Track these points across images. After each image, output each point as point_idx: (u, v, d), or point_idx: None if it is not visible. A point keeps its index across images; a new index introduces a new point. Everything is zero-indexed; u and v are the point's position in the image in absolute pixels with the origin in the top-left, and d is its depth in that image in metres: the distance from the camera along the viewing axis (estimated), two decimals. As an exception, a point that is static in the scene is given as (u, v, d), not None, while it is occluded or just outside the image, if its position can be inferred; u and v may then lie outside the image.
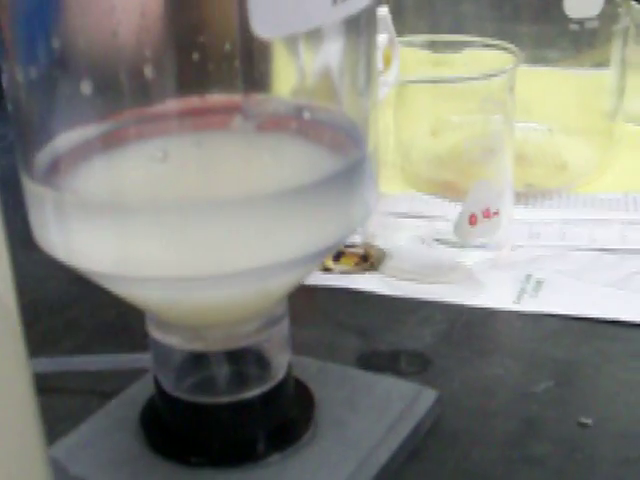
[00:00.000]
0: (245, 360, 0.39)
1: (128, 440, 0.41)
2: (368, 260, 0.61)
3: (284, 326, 0.40)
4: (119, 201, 0.32)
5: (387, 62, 0.54)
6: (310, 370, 0.45)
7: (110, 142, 0.33)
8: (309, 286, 0.57)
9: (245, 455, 0.39)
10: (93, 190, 0.33)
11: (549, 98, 0.73)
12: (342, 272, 0.60)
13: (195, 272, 0.32)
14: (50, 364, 0.47)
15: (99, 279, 0.34)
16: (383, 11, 0.52)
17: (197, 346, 0.38)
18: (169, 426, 0.40)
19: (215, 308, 0.35)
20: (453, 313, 0.54)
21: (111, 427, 0.42)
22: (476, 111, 0.61)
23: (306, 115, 0.34)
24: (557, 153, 0.76)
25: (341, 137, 0.36)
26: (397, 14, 0.60)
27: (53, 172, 0.34)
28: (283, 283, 0.35)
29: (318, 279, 0.58)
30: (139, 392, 0.43)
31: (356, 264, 0.61)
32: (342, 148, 0.35)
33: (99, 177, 0.33)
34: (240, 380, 0.39)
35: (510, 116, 0.57)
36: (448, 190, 0.62)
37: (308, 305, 0.56)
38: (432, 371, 0.47)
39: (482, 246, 0.59)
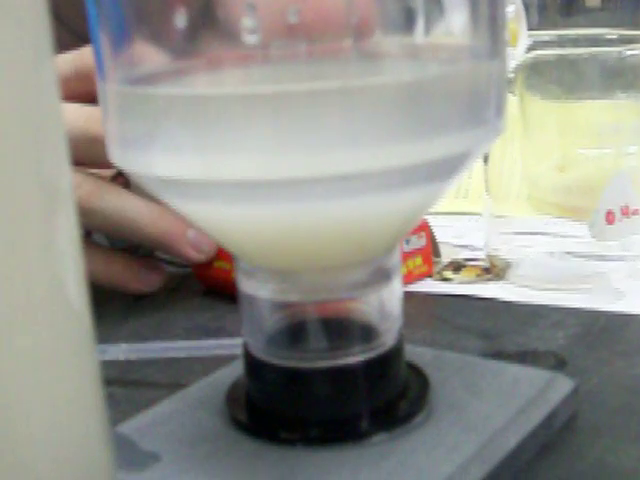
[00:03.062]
0: (347, 319, 0.33)
1: (209, 418, 0.35)
2: (491, 272, 0.54)
3: (395, 284, 0.34)
4: (212, 93, 0.27)
5: (513, 38, 0.48)
6: (425, 357, 0.38)
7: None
8: (423, 293, 0.51)
9: (345, 432, 0.33)
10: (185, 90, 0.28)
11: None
12: (463, 283, 0.53)
13: (294, 173, 0.27)
14: (132, 351, 0.41)
15: (182, 192, 0.29)
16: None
17: (291, 297, 0.32)
18: (257, 401, 0.34)
19: (312, 237, 0.29)
20: (588, 318, 0.47)
21: (191, 406, 0.36)
22: (607, 141, 0.55)
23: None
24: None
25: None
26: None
27: (143, 79, 0.29)
28: (398, 206, 0.29)
29: (434, 287, 0.52)
30: (226, 376, 0.37)
31: (478, 275, 0.54)
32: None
33: (192, 78, 0.28)
34: (341, 343, 0.33)
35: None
36: (578, 214, 0.56)
37: (423, 310, 0.50)
38: (567, 370, 0.40)
39: (619, 258, 0.52)
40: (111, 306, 0.53)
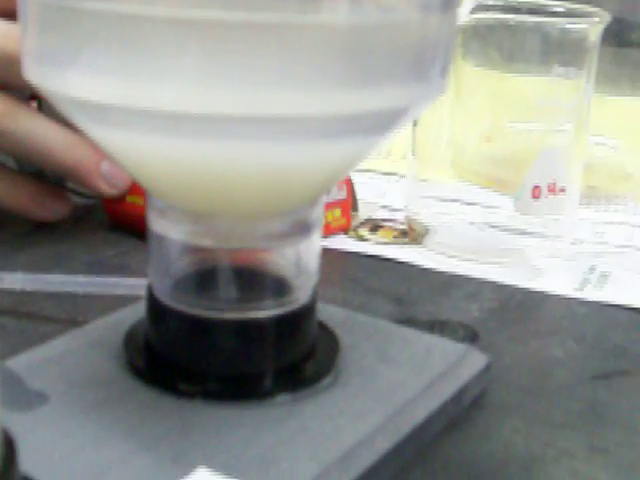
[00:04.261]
0: (261, 271, 0.31)
1: (105, 360, 0.33)
2: (409, 235, 0.53)
3: (315, 239, 0.32)
4: (141, 12, 0.24)
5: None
6: (336, 317, 0.36)
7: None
8: (337, 250, 0.49)
9: (248, 390, 0.31)
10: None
11: (619, 121, 0.66)
12: (379, 243, 0.52)
13: (219, 109, 0.24)
14: (29, 281, 0.39)
15: (99, 117, 0.26)
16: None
17: (203, 241, 0.30)
18: (157, 348, 0.32)
19: (232, 180, 0.27)
20: (505, 293, 0.46)
21: (86, 346, 0.34)
22: (538, 116, 0.53)
23: None
24: (621, 166, 0.69)
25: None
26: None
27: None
28: (328, 156, 0.27)
29: (349, 245, 0.51)
30: (126, 318, 0.35)
31: (395, 237, 0.53)
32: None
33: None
34: (252, 295, 0.31)
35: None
36: (501, 186, 0.54)
37: (336, 268, 0.48)
38: (479, 345, 0.39)
39: (540, 235, 0.51)
40: (9, 231, 0.50)
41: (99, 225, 0.52)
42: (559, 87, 0.52)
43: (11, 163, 0.51)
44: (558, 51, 0.49)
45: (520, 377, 0.37)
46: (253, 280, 0.31)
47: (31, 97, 0.48)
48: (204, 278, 0.31)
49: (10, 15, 0.44)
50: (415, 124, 0.53)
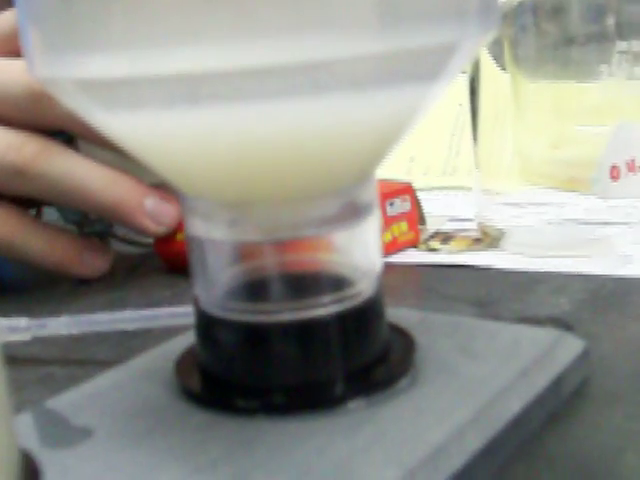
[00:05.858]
0: (314, 263, 0.28)
1: (154, 389, 0.29)
2: (484, 241, 0.49)
3: (371, 223, 0.28)
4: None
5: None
6: (410, 319, 0.32)
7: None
8: (410, 263, 0.46)
9: (315, 399, 0.27)
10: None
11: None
12: (452, 253, 0.48)
13: (241, 62, 0.21)
14: (75, 324, 0.36)
15: (112, 99, 0.23)
16: None
17: (247, 236, 0.27)
18: (210, 366, 0.29)
19: (268, 148, 0.24)
20: (594, 283, 0.42)
21: (134, 378, 0.30)
22: (604, 117, 0.50)
23: None
24: None
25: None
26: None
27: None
28: (371, 111, 0.24)
29: (421, 258, 0.47)
30: (177, 346, 0.32)
31: (469, 246, 0.49)
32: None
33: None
34: (307, 291, 0.27)
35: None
36: (574, 184, 0.50)
37: (408, 281, 0.44)
38: (575, 335, 0.35)
39: (624, 221, 0.47)
40: (60, 282, 0.47)
41: (154, 270, 0.49)
42: (616, 89, 0.49)
43: (54, 214, 0.48)
44: (617, 18, 0.46)
45: (623, 363, 0.33)
46: (307, 275, 0.28)
47: (67, 140, 0.46)
48: (253, 280, 0.28)
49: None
50: (475, 140, 0.50)
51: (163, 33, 0.22)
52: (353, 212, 0.28)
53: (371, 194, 0.28)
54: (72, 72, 0.24)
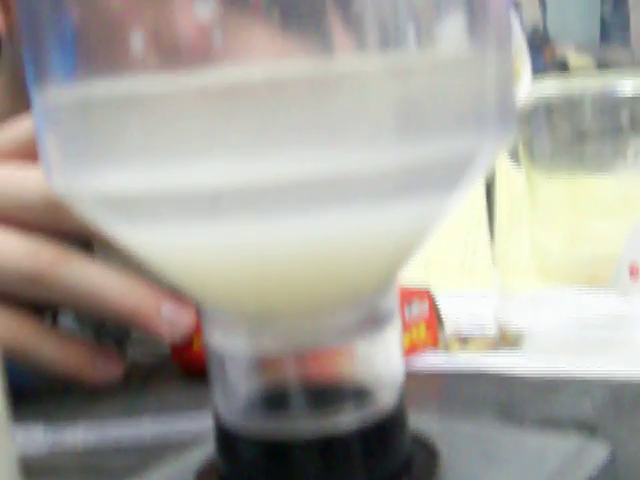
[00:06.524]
0: (335, 376, 0.27)
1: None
2: (503, 343, 0.48)
3: (392, 333, 0.28)
4: (169, 89, 0.22)
5: (516, 75, 0.43)
6: (432, 426, 0.32)
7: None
8: (429, 367, 0.45)
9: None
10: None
11: None
12: (471, 355, 0.47)
13: (264, 179, 0.21)
14: (92, 434, 0.35)
15: (133, 214, 0.23)
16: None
17: (267, 348, 0.26)
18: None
19: (288, 263, 0.24)
20: (618, 385, 0.41)
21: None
22: (619, 213, 0.50)
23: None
24: None
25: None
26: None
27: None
28: (391, 222, 0.24)
29: (440, 361, 0.46)
30: (197, 457, 0.31)
31: (488, 347, 0.48)
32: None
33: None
34: (329, 406, 0.27)
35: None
36: (594, 282, 0.50)
37: (429, 384, 0.44)
38: (599, 439, 0.34)
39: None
40: (74, 391, 0.47)
41: (170, 376, 0.49)
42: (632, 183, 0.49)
43: (71, 321, 0.48)
44: (631, 118, 0.46)
45: (652, 469, 0.32)
46: (328, 389, 0.28)
47: (84, 246, 0.46)
48: (273, 392, 0.28)
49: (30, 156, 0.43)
50: (492, 238, 0.50)
51: (182, 147, 0.22)
52: (374, 322, 0.27)
53: (392, 303, 0.28)
54: (90, 186, 0.24)
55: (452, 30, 0.25)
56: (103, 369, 0.46)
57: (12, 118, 0.46)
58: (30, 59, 0.26)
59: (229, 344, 0.27)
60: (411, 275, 0.55)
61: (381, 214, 0.23)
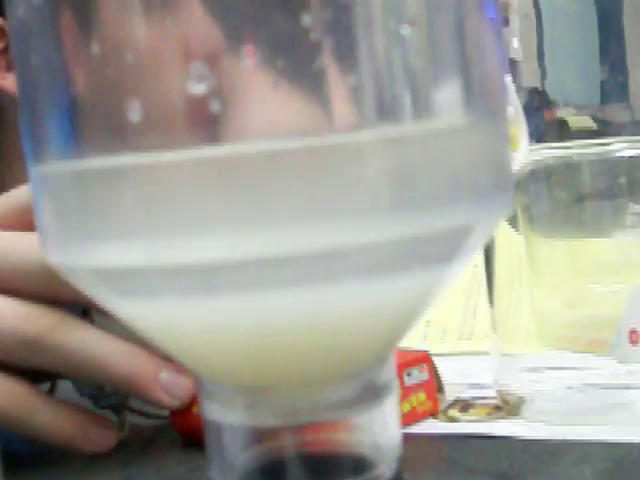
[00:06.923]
0: (333, 448, 0.27)
1: None
2: (504, 409, 0.48)
3: (390, 404, 0.28)
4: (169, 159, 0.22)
5: (514, 142, 0.44)
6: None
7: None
8: (428, 434, 0.45)
9: None
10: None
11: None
12: (472, 422, 0.47)
13: (259, 252, 0.21)
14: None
15: (129, 287, 0.23)
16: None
17: (264, 421, 0.26)
18: None
19: (285, 337, 0.24)
20: (618, 451, 0.41)
21: None
22: (619, 274, 0.50)
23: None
24: None
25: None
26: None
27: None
28: (389, 295, 0.24)
29: (440, 428, 0.46)
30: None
31: (489, 414, 0.48)
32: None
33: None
34: (326, 476, 0.26)
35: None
36: (594, 347, 0.50)
37: (428, 453, 0.44)
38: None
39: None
40: (74, 457, 0.46)
41: (170, 443, 0.49)
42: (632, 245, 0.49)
43: (68, 389, 0.48)
44: (629, 182, 0.46)
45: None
46: (325, 459, 0.27)
47: (82, 312, 0.46)
48: (270, 464, 0.27)
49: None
50: (492, 303, 0.50)
51: (177, 223, 0.22)
52: (372, 393, 0.27)
53: (389, 374, 0.28)
54: (85, 260, 0.24)
55: (448, 101, 0.25)
56: (97, 438, 0.46)
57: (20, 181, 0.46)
58: (27, 130, 0.26)
59: (226, 416, 0.27)
60: (411, 340, 0.55)
61: (378, 287, 0.23)
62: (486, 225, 0.25)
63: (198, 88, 0.22)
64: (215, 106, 0.22)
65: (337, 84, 0.23)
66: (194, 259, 0.22)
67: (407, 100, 0.24)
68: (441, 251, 0.24)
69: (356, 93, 0.23)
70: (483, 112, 0.26)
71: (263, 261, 0.22)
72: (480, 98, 0.26)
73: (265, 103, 0.23)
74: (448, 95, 0.25)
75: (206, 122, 0.22)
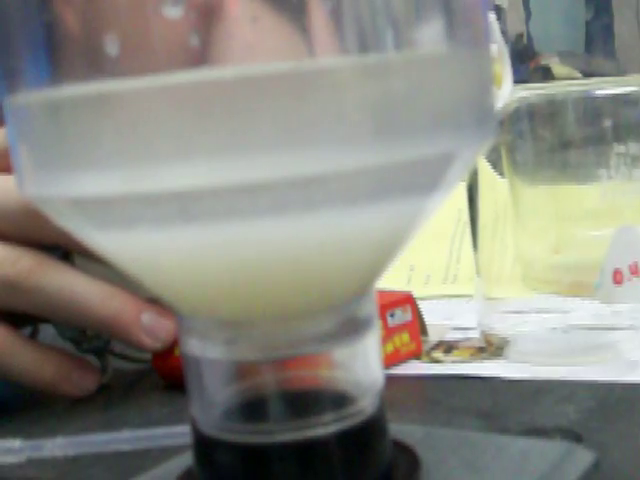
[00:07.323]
0: (313, 381, 0.27)
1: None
2: (487, 350, 0.48)
3: (371, 338, 0.27)
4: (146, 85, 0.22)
5: (497, 80, 0.43)
6: (414, 435, 0.32)
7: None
8: (412, 375, 0.45)
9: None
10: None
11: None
12: (455, 362, 0.47)
13: (236, 178, 0.21)
14: (71, 445, 0.35)
15: (105, 218, 0.23)
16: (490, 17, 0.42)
17: (244, 355, 0.26)
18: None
19: (263, 266, 0.23)
20: (602, 390, 0.41)
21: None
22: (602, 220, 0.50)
23: None
24: None
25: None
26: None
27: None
28: (368, 224, 0.23)
29: (424, 369, 0.46)
30: (176, 467, 0.31)
31: (472, 355, 0.48)
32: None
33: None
34: (307, 410, 0.26)
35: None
36: (578, 290, 0.50)
37: (412, 393, 0.43)
38: (584, 445, 0.34)
39: (629, 327, 0.46)
40: (56, 401, 0.46)
41: (152, 387, 0.48)
42: (618, 190, 0.49)
43: (51, 330, 0.47)
44: (614, 123, 0.45)
45: (635, 472, 0.32)
46: (307, 393, 0.27)
47: (63, 255, 0.45)
48: (251, 399, 0.27)
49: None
50: (476, 248, 0.50)
51: (154, 151, 0.22)
52: (352, 328, 0.27)
53: (370, 309, 0.27)
54: (62, 191, 0.24)
55: (430, 32, 0.25)
56: (79, 381, 0.45)
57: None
58: (1, 65, 0.25)
59: (205, 351, 0.27)
60: (395, 284, 0.55)
61: (358, 216, 0.23)
62: (467, 155, 0.25)
63: (174, 12, 0.21)
64: (191, 31, 0.22)
65: (318, 10, 0.22)
66: (171, 187, 0.22)
67: (389, 28, 0.23)
68: (422, 180, 0.24)
69: (337, 20, 0.23)
70: (465, 42, 0.25)
71: (241, 188, 0.21)
72: (462, 28, 0.26)
73: (244, 28, 0.22)
74: (429, 24, 0.25)
75: (182, 47, 0.22)
